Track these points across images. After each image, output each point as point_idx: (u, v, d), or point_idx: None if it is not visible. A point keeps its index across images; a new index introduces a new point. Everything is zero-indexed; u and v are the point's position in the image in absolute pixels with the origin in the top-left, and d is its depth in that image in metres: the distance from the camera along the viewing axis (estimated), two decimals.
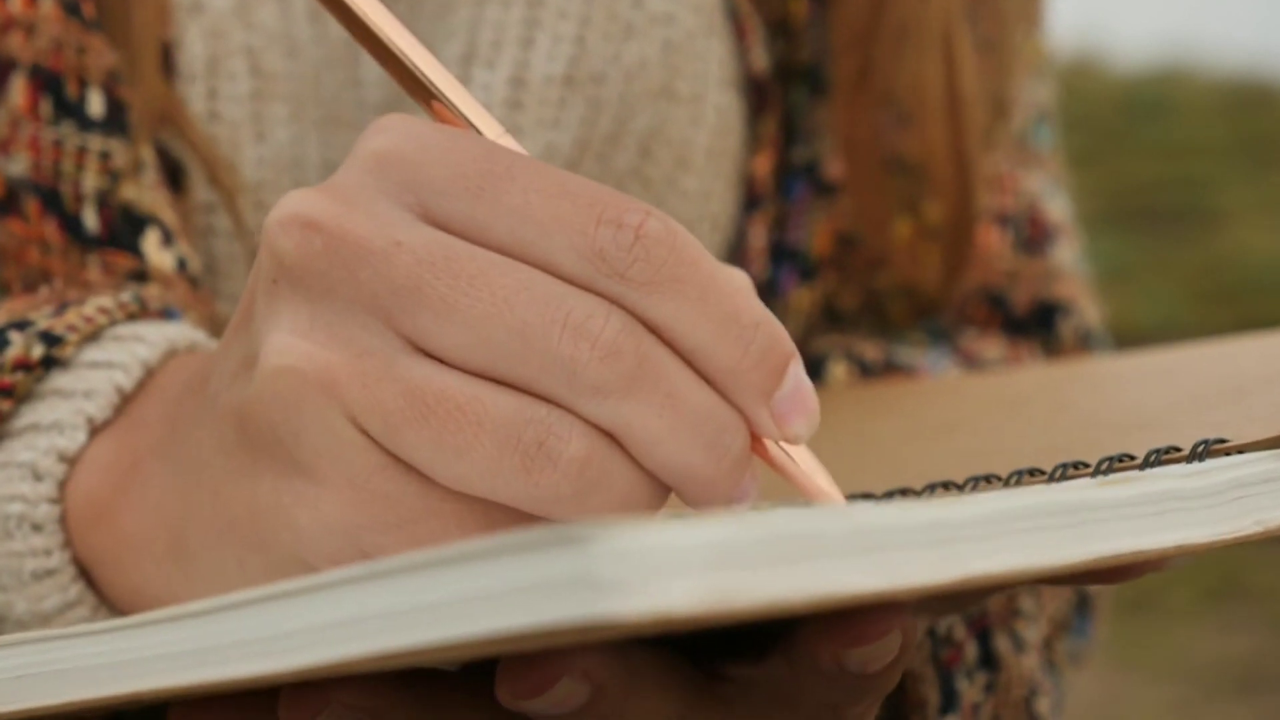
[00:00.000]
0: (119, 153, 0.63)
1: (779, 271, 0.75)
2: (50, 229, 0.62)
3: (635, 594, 0.34)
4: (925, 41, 0.73)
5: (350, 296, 0.45)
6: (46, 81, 0.63)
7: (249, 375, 0.46)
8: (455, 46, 0.69)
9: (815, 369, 0.74)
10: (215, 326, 0.62)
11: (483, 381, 0.44)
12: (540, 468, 0.44)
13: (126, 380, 0.55)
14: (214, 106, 0.67)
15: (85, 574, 0.55)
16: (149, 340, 0.56)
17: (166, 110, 0.65)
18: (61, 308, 0.57)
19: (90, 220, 0.63)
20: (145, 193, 0.63)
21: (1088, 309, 0.79)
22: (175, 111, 0.65)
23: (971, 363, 0.75)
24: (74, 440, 0.54)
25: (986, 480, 0.53)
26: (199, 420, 0.49)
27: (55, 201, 0.62)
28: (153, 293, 0.61)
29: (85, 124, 0.63)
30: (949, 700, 0.64)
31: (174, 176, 0.66)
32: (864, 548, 0.38)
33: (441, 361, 0.45)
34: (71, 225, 0.62)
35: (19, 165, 0.62)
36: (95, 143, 0.63)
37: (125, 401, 0.55)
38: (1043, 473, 0.52)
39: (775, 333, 0.45)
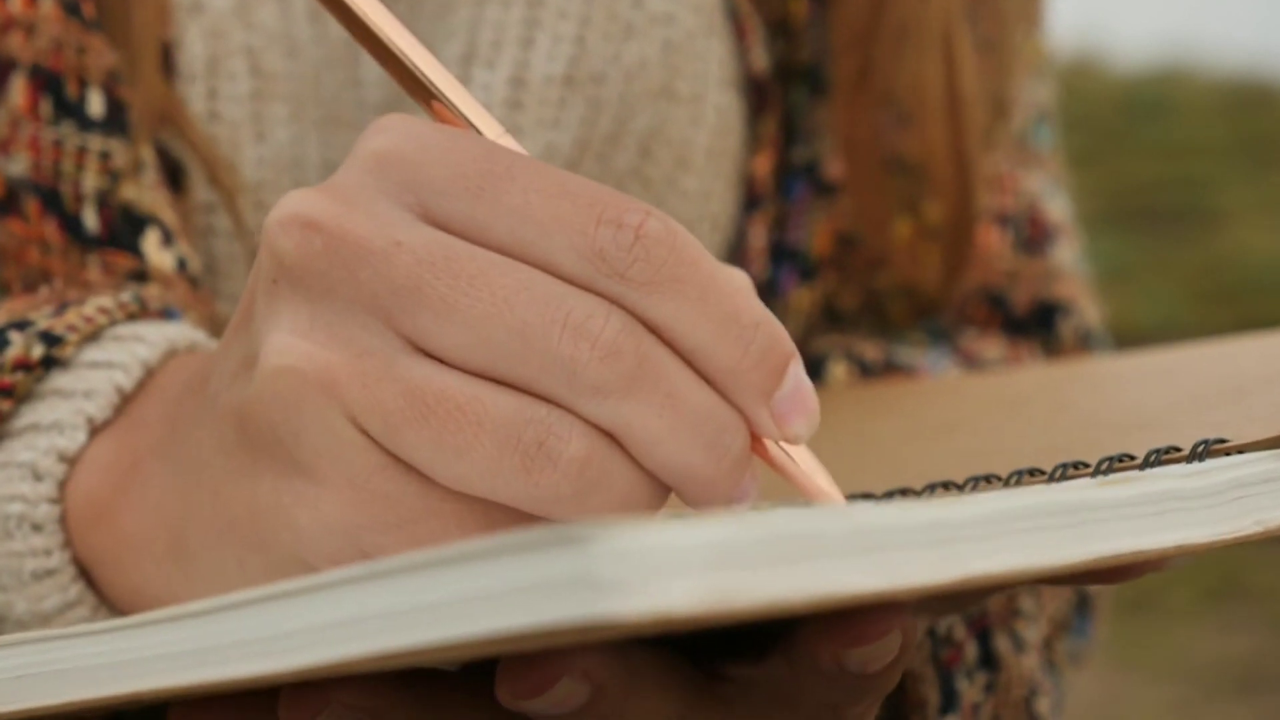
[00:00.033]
0: (119, 153, 0.63)
1: (779, 271, 0.75)
2: (50, 229, 0.62)
3: (635, 594, 0.34)
4: (925, 41, 0.73)
5: (350, 296, 0.45)
6: (46, 81, 0.63)
7: (249, 375, 0.46)
8: (455, 46, 0.69)
9: (815, 369, 0.74)
10: (215, 326, 0.62)
11: (483, 381, 0.44)
12: (540, 468, 0.44)
13: (127, 380, 0.55)
14: (214, 106, 0.67)
15: (85, 574, 0.55)
16: (149, 340, 0.56)
17: (166, 110, 0.65)
18: (61, 308, 0.57)
19: (90, 220, 0.63)
20: (145, 193, 0.63)
21: (1088, 309, 0.79)
22: (175, 111, 0.65)
23: (971, 363, 0.75)
24: (74, 440, 0.54)
25: (986, 480, 0.53)
26: (199, 420, 0.49)
27: (55, 201, 0.62)
28: (153, 293, 0.61)
29: (85, 124, 0.63)
30: (949, 700, 0.64)
31: (174, 176, 0.66)
32: (864, 548, 0.38)
33: (442, 361, 0.45)
34: (71, 225, 0.62)
35: (19, 165, 0.62)
36: (95, 143, 0.63)
37: (125, 401, 0.55)
38: (1043, 473, 0.52)
39: (775, 333, 0.45)
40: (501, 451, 0.44)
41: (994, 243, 0.77)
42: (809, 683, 0.46)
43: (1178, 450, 0.50)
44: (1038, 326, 0.78)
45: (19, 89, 0.62)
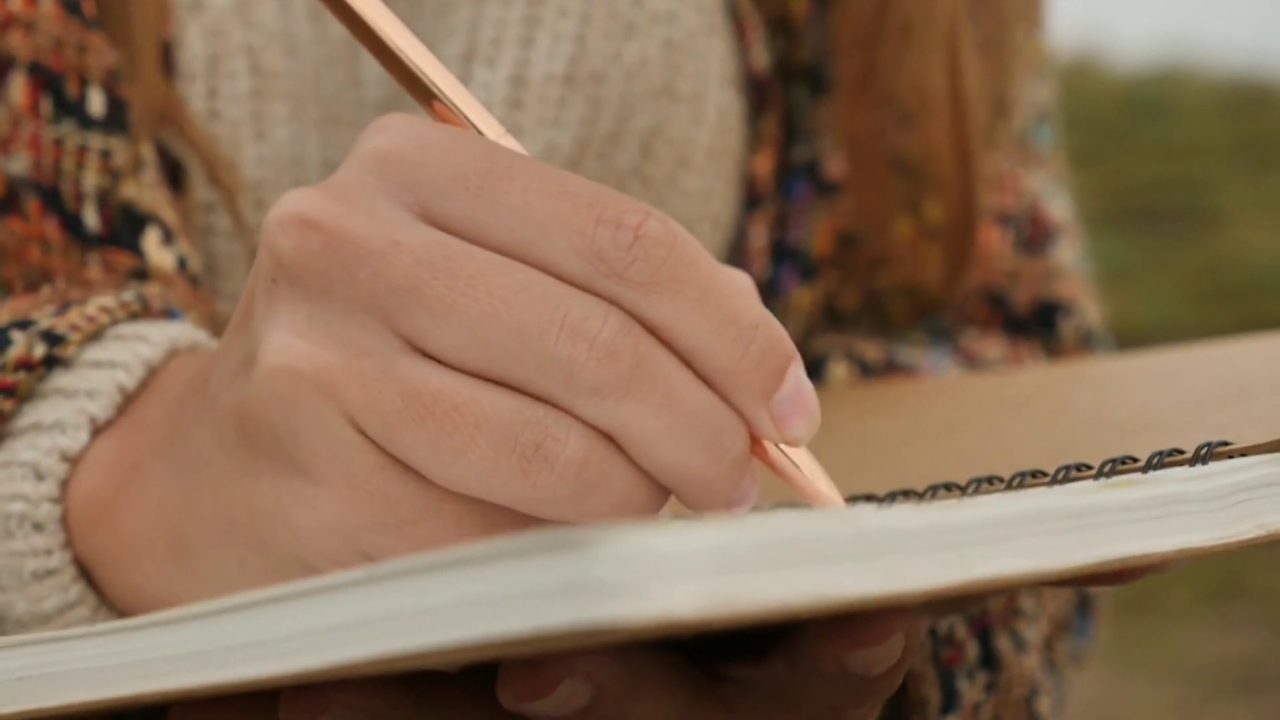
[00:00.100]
0: (119, 151, 0.63)
1: (779, 271, 0.75)
2: (51, 228, 0.62)
3: (637, 598, 0.34)
4: (930, 41, 0.73)
5: (349, 296, 0.45)
6: (47, 80, 0.63)
7: (248, 374, 0.46)
8: (456, 45, 0.69)
9: (816, 369, 0.74)
10: (216, 326, 0.62)
11: (480, 382, 0.44)
12: (537, 469, 0.44)
13: (129, 380, 0.55)
14: (214, 105, 0.67)
15: (86, 574, 0.55)
16: (151, 340, 0.56)
17: (166, 109, 0.65)
18: (63, 307, 0.57)
19: (91, 219, 0.63)
20: (145, 191, 0.63)
21: (1089, 309, 0.79)
22: (175, 110, 0.65)
23: (972, 362, 0.75)
24: (76, 440, 0.54)
25: (989, 482, 0.53)
26: (200, 420, 0.49)
27: (56, 200, 0.62)
28: (154, 291, 0.61)
29: (86, 122, 0.63)
30: (950, 700, 0.64)
31: (174, 175, 0.66)
32: (866, 551, 0.37)
33: (440, 362, 0.45)
34: (72, 224, 0.62)
35: (19, 164, 0.62)
36: (96, 141, 0.63)
37: (127, 401, 0.55)
38: (1045, 474, 0.52)
39: (775, 334, 0.45)
40: (498, 453, 0.44)
41: (995, 242, 0.77)
42: (811, 684, 0.46)
43: (1180, 453, 0.50)
44: (1039, 326, 0.78)
45: (19, 87, 0.62)
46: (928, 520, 0.39)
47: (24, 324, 0.56)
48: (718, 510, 0.45)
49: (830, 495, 0.47)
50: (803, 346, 0.75)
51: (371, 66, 0.68)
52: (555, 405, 0.44)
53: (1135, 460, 0.51)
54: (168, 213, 0.64)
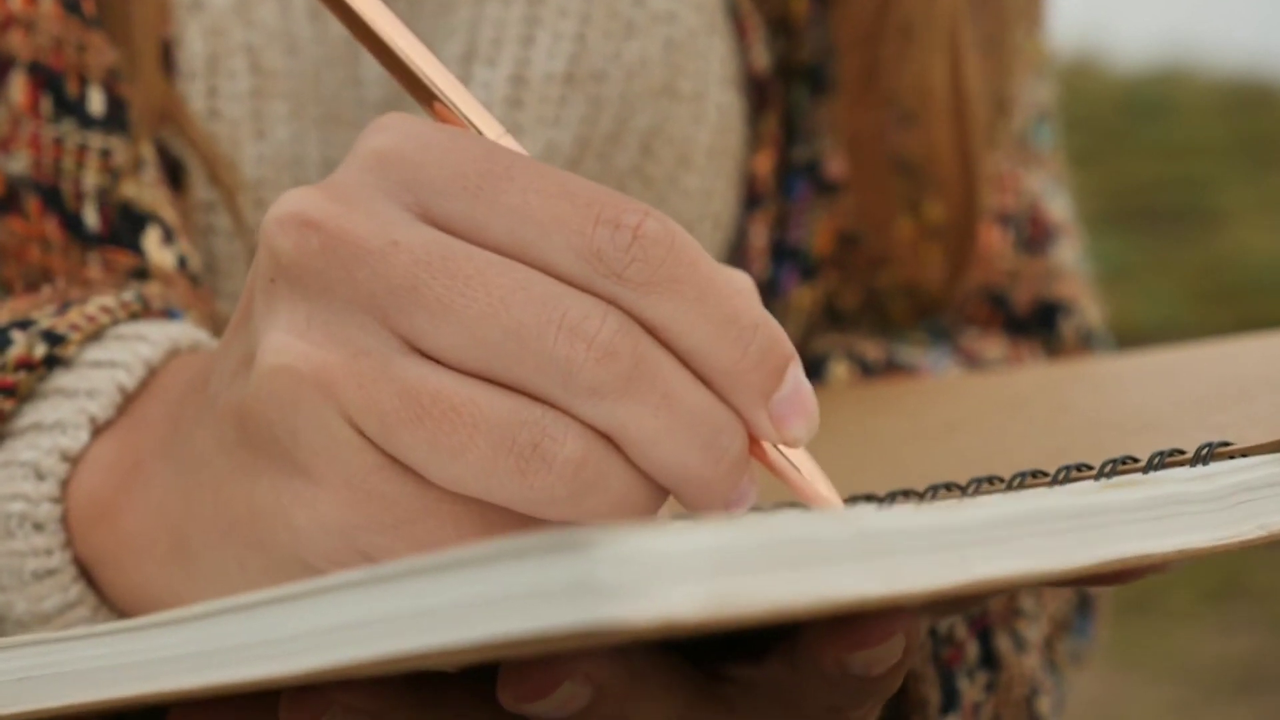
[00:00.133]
0: (119, 150, 0.63)
1: (780, 270, 0.75)
2: (51, 227, 0.62)
3: (638, 599, 0.34)
4: (931, 40, 0.73)
5: (347, 296, 0.45)
6: (47, 79, 0.62)
7: (247, 374, 0.46)
8: (456, 44, 0.69)
9: (816, 368, 0.74)
10: (216, 325, 0.62)
11: (479, 382, 0.44)
12: (535, 469, 0.44)
13: (129, 379, 0.55)
14: (214, 104, 0.67)
15: (86, 574, 0.55)
16: (152, 339, 0.56)
17: (166, 108, 0.65)
18: (64, 307, 0.57)
19: (91, 218, 0.63)
20: (145, 190, 0.63)
21: (1089, 308, 0.79)
22: (175, 109, 0.65)
23: (972, 362, 0.75)
24: (76, 440, 0.54)
25: (989, 482, 0.53)
26: (200, 419, 0.49)
27: (56, 199, 0.62)
28: (154, 291, 0.61)
29: (86, 122, 0.63)
30: (950, 699, 0.64)
31: (174, 174, 0.66)
32: (867, 552, 0.37)
33: (438, 362, 0.44)
34: (72, 223, 0.62)
35: (19, 163, 0.62)
36: (96, 140, 0.63)
37: (128, 401, 0.55)
38: (1045, 475, 0.52)
39: (774, 334, 0.45)
40: (496, 453, 0.44)
41: (995, 242, 0.77)
42: (811, 685, 0.46)
43: (1181, 453, 0.50)
44: (1039, 326, 0.78)
45: (19, 87, 0.62)
46: (928, 521, 0.39)
47: (24, 324, 0.56)
48: (716, 511, 0.45)
49: (829, 496, 0.47)
50: (803, 346, 0.75)
51: (371, 66, 0.68)
52: (553, 405, 0.44)
53: (1136, 460, 0.51)
54: (168, 212, 0.64)
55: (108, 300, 0.57)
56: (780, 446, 0.46)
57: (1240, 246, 4.07)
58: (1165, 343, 0.74)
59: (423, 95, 0.48)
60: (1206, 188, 4.29)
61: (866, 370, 0.74)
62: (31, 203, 0.62)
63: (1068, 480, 0.51)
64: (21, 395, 0.55)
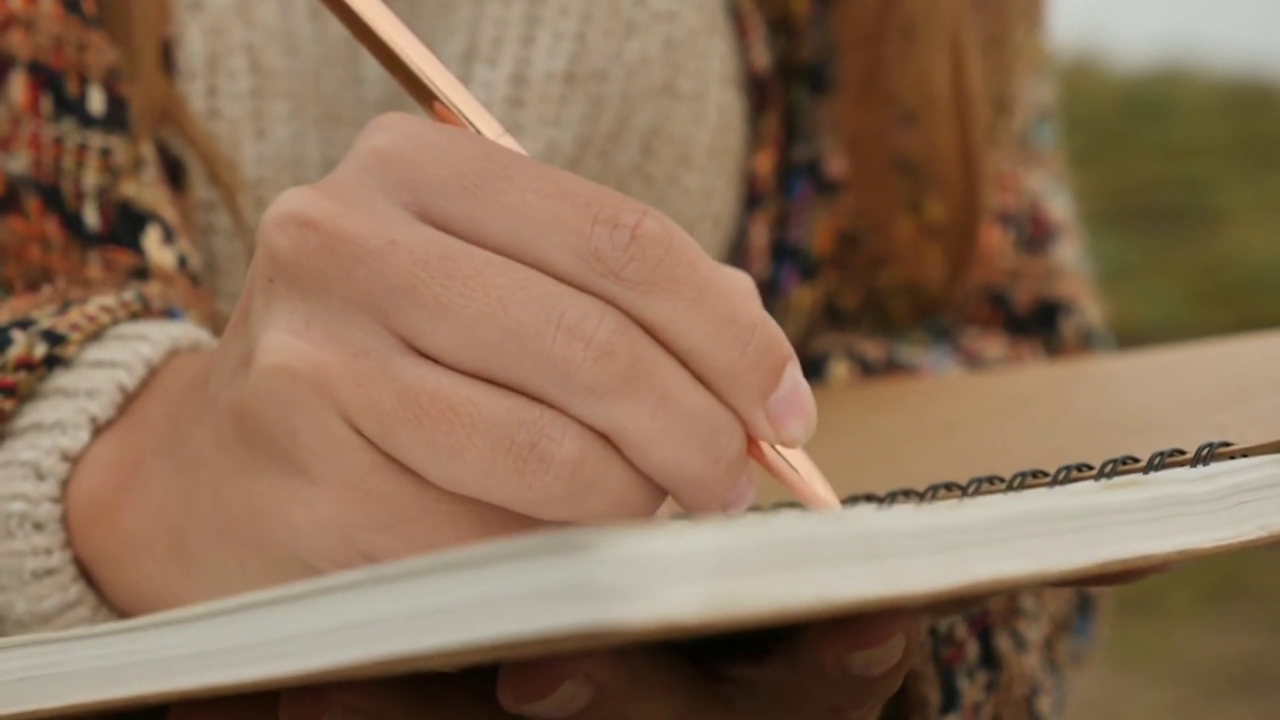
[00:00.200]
0: (119, 150, 0.63)
1: (780, 270, 0.75)
2: (51, 226, 0.62)
3: (638, 601, 0.34)
4: (933, 40, 0.73)
5: (346, 295, 0.45)
6: (47, 78, 0.62)
7: (246, 373, 0.46)
8: (456, 44, 0.69)
9: (816, 368, 0.74)
10: (216, 325, 0.62)
11: (477, 382, 0.44)
12: (533, 470, 0.44)
13: (129, 379, 0.55)
14: (214, 104, 0.66)
15: (86, 574, 0.55)
16: (152, 339, 0.56)
17: (167, 107, 0.65)
18: (64, 306, 0.57)
19: (91, 217, 0.63)
20: (146, 190, 0.63)
21: (1090, 308, 0.79)
22: (175, 108, 0.65)
23: (973, 362, 0.75)
24: (77, 439, 0.54)
25: (989, 482, 0.53)
26: (200, 418, 0.49)
27: (56, 199, 0.62)
28: (154, 291, 0.61)
29: (86, 121, 0.63)
30: (950, 699, 0.64)
31: (174, 174, 0.66)
32: (868, 553, 0.37)
33: (437, 361, 0.44)
34: (72, 222, 0.62)
35: (19, 163, 0.62)
36: (96, 140, 0.63)
37: (128, 400, 0.55)
38: (1046, 475, 0.52)
39: (772, 334, 0.45)
40: (494, 453, 0.44)
41: (996, 241, 0.77)
42: (811, 685, 0.46)
43: (1181, 454, 0.50)
44: (1039, 325, 0.78)
45: (19, 86, 0.62)
46: (928, 521, 0.39)
47: (24, 323, 0.56)
48: (714, 511, 0.45)
49: (826, 497, 0.47)
50: (803, 346, 0.75)
51: (371, 65, 0.68)
52: (551, 405, 0.44)
53: (1136, 461, 0.51)
54: (168, 211, 0.64)
55: (108, 300, 0.57)
56: (778, 447, 0.46)
57: (1240, 246, 4.07)
58: (1165, 343, 0.74)
59: (422, 95, 0.48)
60: (1206, 188, 4.29)
61: (867, 370, 0.74)
62: (31, 202, 0.62)
63: (1068, 480, 0.51)
64: (22, 395, 0.55)
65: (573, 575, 0.35)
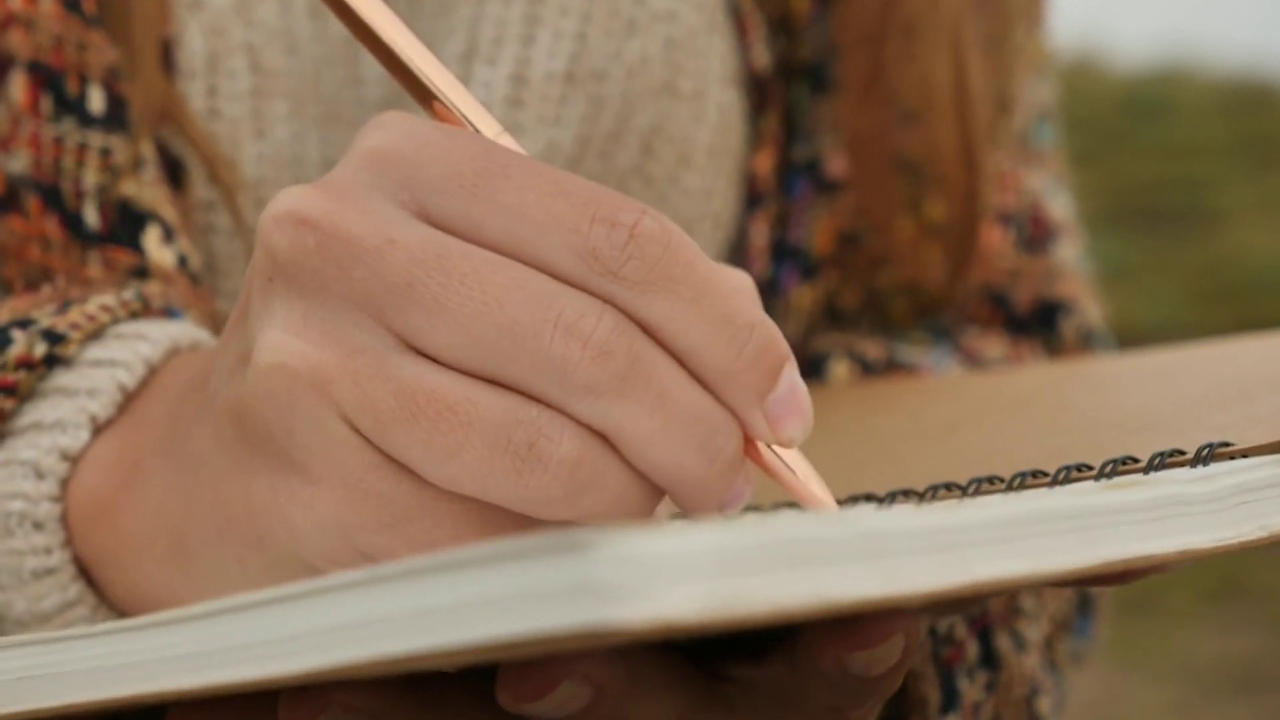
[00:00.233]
0: (119, 149, 0.63)
1: (780, 270, 0.75)
2: (51, 226, 0.62)
3: (637, 601, 0.34)
4: (935, 40, 0.73)
5: (343, 294, 0.45)
6: (47, 78, 0.62)
7: (244, 372, 0.46)
8: (456, 44, 0.68)
9: (817, 367, 0.74)
10: (216, 324, 0.62)
11: (474, 381, 0.44)
12: (530, 469, 0.44)
13: (129, 378, 0.55)
14: (214, 103, 0.66)
15: (85, 573, 0.55)
16: (152, 338, 0.56)
17: (166, 107, 0.65)
18: (64, 306, 0.57)
19: (91, 217, 0.63)
20: (145, 189, 0.63)
21: (1090, 308, 0.79)
22: (175, 108, 0.65)
23: (973, 361, 0.75)
24: (77, 439, 0.54)
25: (989, 482, 0.53)
26: (199, 418, 0.49)
27: (56, 198, 0.62)
28: (154, 290, 0.61)
29: (86, 120, 0.63)
30: (950, 699, 0.64)
31: (174, 173, 0.66)
32: (867, 553, 0.37)
33: (434, 360, 0.44)
34: (72, 222, 0.62)
35: (19, 162, 0.62)
36: (96, 139, 0.63)
37: (128, 400, 0.55)
38: (1046, 475, 0.52)
39: (770, 334, 0.45)
40: (492, 452, 0.44)
41: (996, 241, 0.77)
42: (811, 685, 0.46)
43: (1181, 454, 0.50)
44: (1039, 325, 0.78)
45: (19, 86, 0.62)
46: (928, 521, 0.39)
47: (24, 323, 0.56)
48: (710, 511, 0.45)
49: (823, 497, 0.47)
50: (803, 346, 0.75)
51: (372, 65, 0.68)
52: (549, 404, 0.44)
53: (1136, 461, 0.51)
54: (168, 211, 0.64)
55: (108, 299, 0.57)
56: (774, 447, 0.46)
57: (1240, 246, 4.07)
58: (1165, 343, 0.74)
59: (422, 94, 0.48)
60: (1206, 188, 4.29)
61: (867, 369, 0.74)
62: (31, 202, 0.62)
63: (1068, 480, 0.51)
64: (22, 394, 0.55)
65: (572, 575, 0.34)
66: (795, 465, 0.47)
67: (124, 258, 0.62)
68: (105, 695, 0.44)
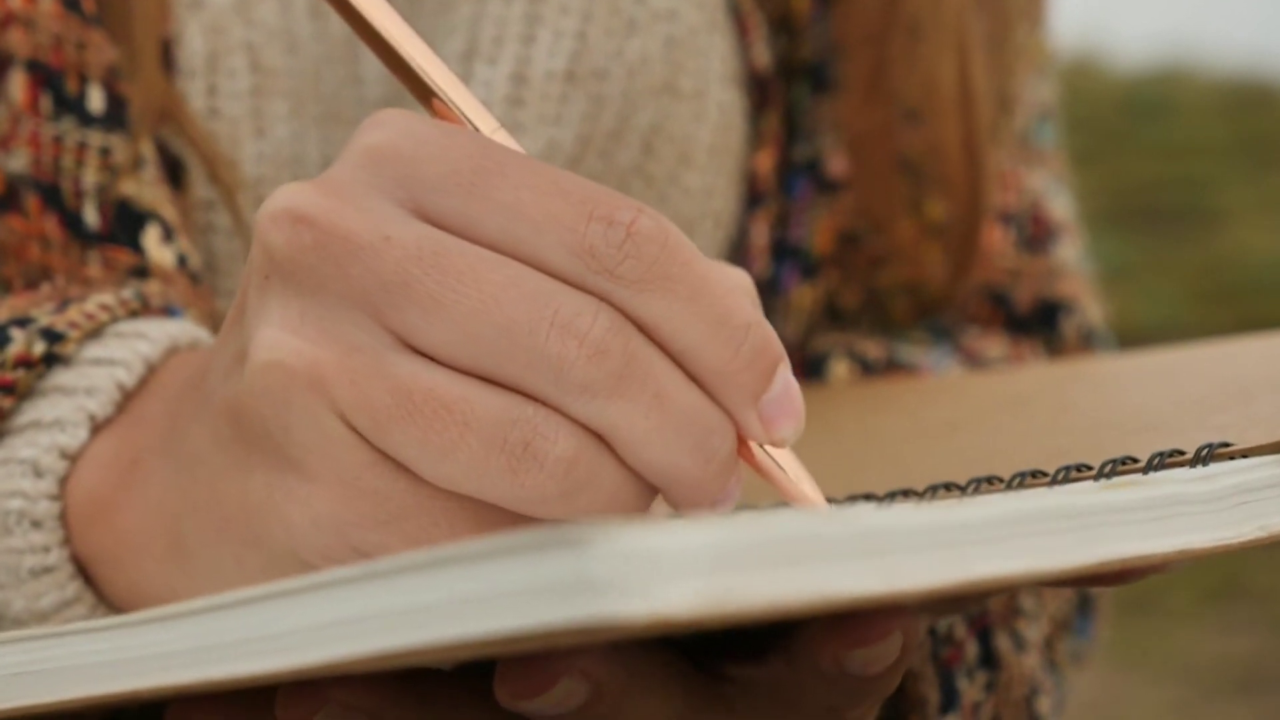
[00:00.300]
0: (119, 148, 0.63)
1: (781, 269, 0.75)
2: (50, 225, 0.62)
3: (634, 596, 0.34)
4: (939, 39, 0.73)
5: (340, 292, 0.45)
6: (47, 77, 0.62)
7: (241, 370, 0.46)
8: (457, 42, 0.68)
9: (817, 367, 0.74)
10: (215, 323, 0.62)
11: (471, 380, 0.44)
12: (526, 468, 0.44)
13: (128, 377, 0.55)
14: (214, 103, 0.66)
15: (84, 572, 0.55)
16: (151, 337, 0.56)
17: (166, 106, 0.65)
18: (63, 304, 0.57)
19: (90, 216, 0.63)
20: (145, 188, 0.63)
21: (1090, 307, 0.79)
22: (175, 107, 0.65)
23: (974, 361, 0.75)
24: (75, 437, 0.54)
25: (989, 482, 0.53)
26: (197, 416, 0.49)
27: (55, 197, 0.62)
28: (153, 289, 0.61)
29: (85, 120, 0.63)
30: (949, 699, 0.64)
31: (174, 173, 0.66)
32: (865, 550, 0.37)
33: (431, 358, 0.44)
34: (72, 221, 0.62)
35: (19, 161, 0.62)
36: (95, 138, 0.63)
37: (127, 399, 0.55)
38: (1045, 475, 0.52)
39: (766, 335, 0.45)
40: (488, 451, 0.44)
41: (997, 241, 0.77)
42: (809, 684, 0.46)
43: (1181, 454, 0.50)
44: (1040, 325, 0.78)
45: (19, 85, 0.62)
46: (927, 519, 0.39)
47: (23, 321, 0.56)
48: (702, 510, 0.45)
49: (814, 497, 0.47)
50: (804, 345, 0.75)
51: (372, 64, 0.68)
52: (545, 403, 0.44)
53: (1136, 461, 0.51)
54: (167, 210, 0.64)
55: (107, 298, 0.57)
56: (766, 447, 0.46)
57: (1240, 246, 4.07)
58: (1165, 343, 0.74)
59: (422, 92, 0.48)
60: (1206, 188, 4.29)
61: (867, 369, 0.74)
62: (31, 201, 0.62)
63: (1067, 480, 0.51)
64: (20, 393, 0.55)
65: (568, 571, 0.34)
66: (787, 465, 0.47)
67: (123, 257, 0.62)
68: (102, 690, 0.44)
